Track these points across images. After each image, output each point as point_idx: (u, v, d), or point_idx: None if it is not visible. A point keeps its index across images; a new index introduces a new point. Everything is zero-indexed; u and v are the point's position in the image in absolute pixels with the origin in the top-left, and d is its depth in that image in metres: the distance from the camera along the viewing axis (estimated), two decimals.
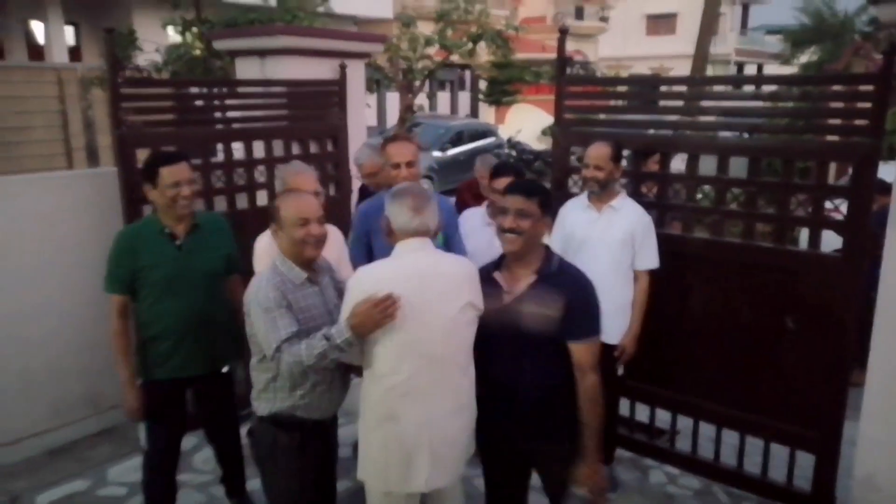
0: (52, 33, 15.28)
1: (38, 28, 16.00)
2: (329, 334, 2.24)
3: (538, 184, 2.66)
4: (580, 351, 2.41)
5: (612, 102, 4.19)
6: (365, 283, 2.27)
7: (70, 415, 4.15)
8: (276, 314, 2.31)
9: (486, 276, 2.50)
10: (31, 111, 10.92)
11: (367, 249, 3.30)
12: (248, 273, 2.78)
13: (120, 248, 2.91)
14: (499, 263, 2.55)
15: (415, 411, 2.30)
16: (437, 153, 14.37)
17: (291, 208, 2.44)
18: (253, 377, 2.51)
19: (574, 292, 2.41)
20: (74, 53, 16.26)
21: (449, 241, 3.37)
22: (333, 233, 3.24)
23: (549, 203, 2.49)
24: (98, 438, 4.19)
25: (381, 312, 2.21)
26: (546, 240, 2.57)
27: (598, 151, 3.43)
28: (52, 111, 11.17)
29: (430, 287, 2.28)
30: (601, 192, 3.47)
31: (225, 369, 3.15)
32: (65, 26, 15.61)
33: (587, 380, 2.41)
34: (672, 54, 32.46)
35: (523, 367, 2.45)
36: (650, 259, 3.47)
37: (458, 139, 15.19)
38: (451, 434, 2.37)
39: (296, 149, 4.54)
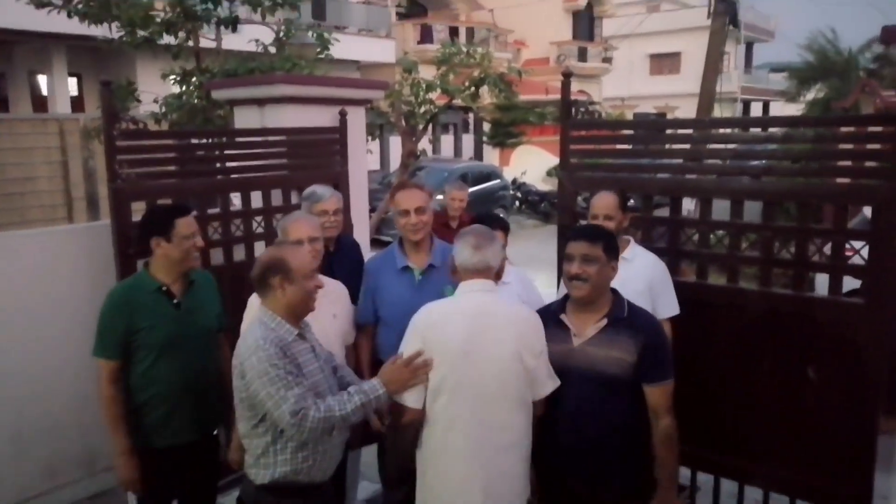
0: (55, 84, 15.55)
1: (41, 80, 16.29)
2: (363, 390, 2.32)
3: (602, 228, 2.76)
4: (655, 394, 2.48)
5: (619, 146, 4.16)
6: (420, 320, 2.44)
7: (63, 477, 4.04)
8: (285, 374, 2.23)
9: (552, 316, 2.59)
10: (35, 162, 11.06)
11: (373, 304, 3.22)
12: (235, 331, 2.72)
13: (114, 308, 2.76)
14: (563, 304, 2.62)
15: (466, 446, 2.36)
16: (439, 196, 14.42)
17: (302, 258, 2.43)
18: (246, 444, 2.40)
19: (648, 336, 2.49)
20: (77, 104, 16.51)
21: None
22: (338, 288, 3.18)
23: (615, 247, 2.58)
24: (91, 502, 4.07)
25: (412, 372, 2.33)
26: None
27: (605, 201, 3.35)
28: (55, 162, 11.31)
29: (485, 329, 2.36)
30: None
31: (215, 433, 3.05)
32: (68, 77, 15.88)
33: (663, 422, 2.48)
34: (676, 93, 32.79)
35: (592, 408, 2.49)
36: (670, 306, 3.36)
37: (463, 181, 15.25)
38: (505, 468, 2.41)
39: (295, 198, 4.49)
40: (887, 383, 3.13)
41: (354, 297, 3.32)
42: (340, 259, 3.59)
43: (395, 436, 3.08)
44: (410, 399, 2.41)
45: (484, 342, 2.36)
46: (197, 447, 2.93)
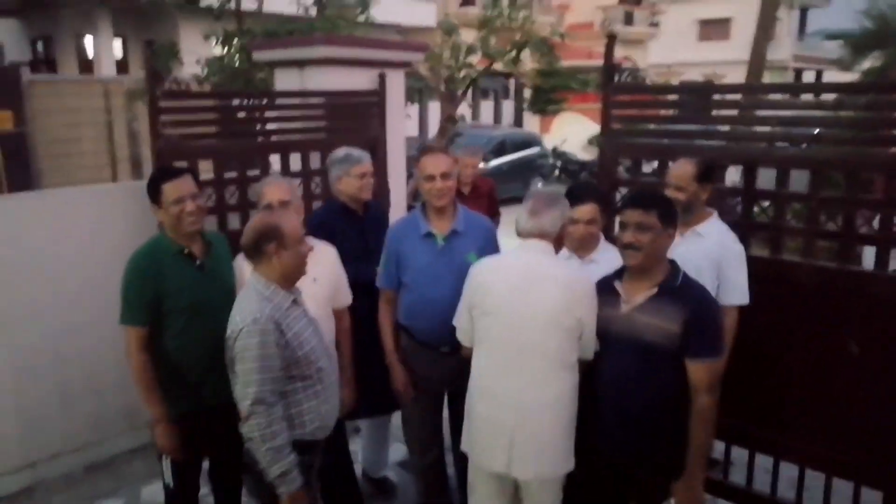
0: (101, 47, 15.80)
1: (87, 42, 16.54)
2: (282, 472, 2.33)
3: (659, 195, 2.71)
4: (697, 370, 2.44)
5: (663, 112, 4.07)
6: (477, 270, 2.67)
7: (107, 430, 4.19)
8: (270, 359, 2.30)
9: (607, 284, 2.62)
10: (80, 123, 11.29)
11: (395, 269, 3.19)
12: None
13: (139, 273, 2.73)
14: (621, 273, 2.63)
15: (506, 393, 2.53)
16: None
17: (293, 224, 2.46)
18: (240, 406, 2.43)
19: (696, 308, 2.44)
20: (122, 66, 16.77)
21: None
22: (327, 251, 3.18)
23: (672, 214, 2.53)
24: (133, 455, 4.23)
25: None
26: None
27: (680, 170, 3.21)
28: (100, 123, 11.53)
29: (532, 283, 2.51)
30: (683, 216, 3.18)
31: None
32: (113, 40, 16.11)
33: (701, 400, 2.44)
34: (726, 60, 31.84)
35: (634, 377, 2.49)
36: (737, 293, 3.17)
37: (501, 149, 15.11)
38: (539, 427, 2.52)
39: None
40: None
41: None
42: (371, 223, 3.61)
43: (413, 407, 3.18)
44: (463, 337, 2.74)
45: (526, 297, 2.51)
46: (227, 408, 2.85)
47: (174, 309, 2.76)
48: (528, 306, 2.51)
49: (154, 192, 2.79)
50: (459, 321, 2.79)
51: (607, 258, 3.09)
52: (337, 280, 3.18)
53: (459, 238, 3.13)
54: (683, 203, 3.12)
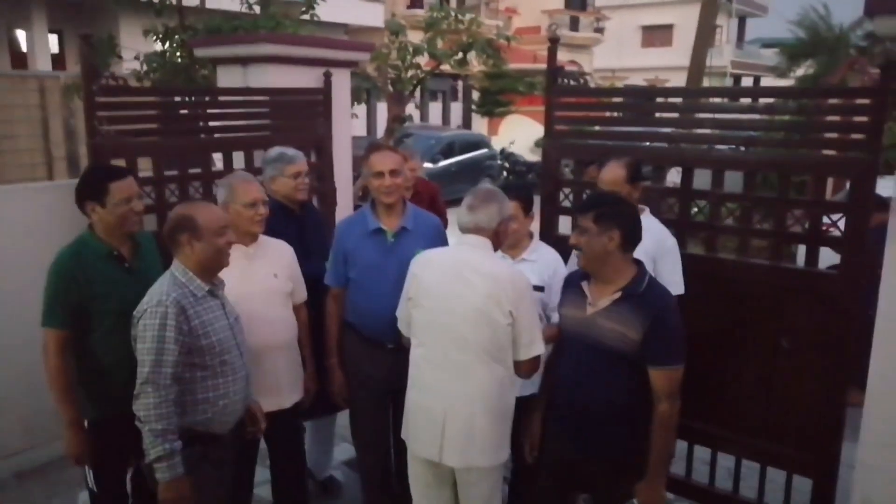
0: (35, 41, 15.23)
1: (21, 35, 15.94)
2: (162, 455, 2.31)
3: (599, 197, 2.76)
4: (657, 377, 2.46)
5: (607, 114, 4.16)
6: (414, 262, 2.73)
7: (40, 435, 4.04)
8: (168, 342, 2.31)
9: (575, 283, 2.66)
10: (14, 120, 10.86)
11: (343, 266, 3.19)
12: None
13: (63, 275, 2.66)
14: (588, 274, 2.64)
15: (435, 383, 2.60)
16: (427, 164, 14.35)
17: (211, 215, 2.49)
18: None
19: (657, 316, 2.44)
20: (58, 61, 16.20)
21: None
22: (282, 248, 3.18)
23: (611, 216, 2.52)
24: (68, 461, 4.08)
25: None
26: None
27: (611, 174, 3.25)
28: (35, 120, 11.12)
29: (460, 277, 2.56)
30: None
31: None
32: (49, 34, 15.56)
33: (661, 406, 2.46)
34: (668, 66, 32.67)
35: (591, 378, 2.52)
36: (673, 286, 3.18)
37: (449, 150, 15.19)
38: (468, 417, 2.56)
39: None
40: (857, 357, 3.20)
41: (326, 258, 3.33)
42: (309, 222, 3.59)
43: (359, 406, 3.19)
44: (402, 327, 2.80)
45: (455, 289, 2.56)
46: None
47: (101, 311, 2.69)
48: (456, 299, 2.55)
49: (97, 191, 2.71)
50: (400, 311, 2.83)
51: (544, 258, 3.17)
52: (295, 276, 3.19)
53: (409, 235, 3.14)
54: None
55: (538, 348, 2.62)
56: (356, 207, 4.93)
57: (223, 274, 2.65)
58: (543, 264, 3.16)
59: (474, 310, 2.52)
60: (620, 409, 2.51)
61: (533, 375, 2.71)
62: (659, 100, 4.01)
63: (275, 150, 3.53)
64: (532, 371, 2.67)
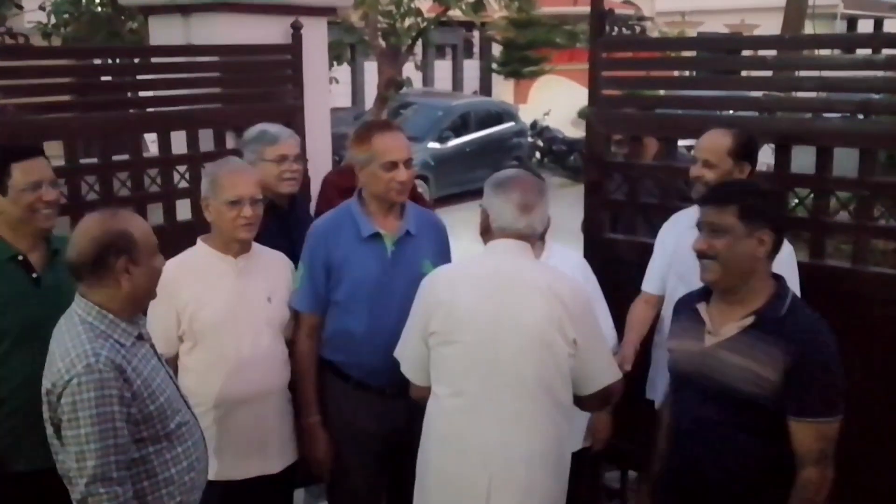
0: None
1: None
2: None
3: (739, 185, 2.77)
4: (802, 432, 2.40)
5: (674, 74, 4.19)
6: (431, 284, 2.70)
7: None
8: (114, 416, 2.24)
9: (688, 306, 2.68)
10: None
11: (325, 284, 3.18)
12: None
13: None
14: (708, 293, 2.63)
15: (480, 443, 2.57)
16: (433, 144, 14.41)
17: (145, 228, 2.43)
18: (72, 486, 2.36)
19: (804, 351, 2.41)
20: None
21: None
22: (279, 262, 3.22)
23: (761, 211, 2.49)
24: None
25: None
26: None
27: (710, 141, 3.27)
28: None
29: (507, 294, 2.58)
30: None
31: None
32: None
33: (806, 474, 2.41)
34: (757, 6, 32.61)
35: (713, 434, 2.50)
36: None
37: (462, 125, 15.24)
38: (528, 485, 2.58)
39: (231, 140, 4.52)
40: None
41: None
42: (299, 221, 3.62)
43: (346, 471, 3.25)
44: (408, 371, 2.77)
45: (501, 313, 2.56)
46: (51, 477, 2.62)
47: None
48: (503, 325, 2.55)
49: None
50: (406, 351, 2.82)
51: (564, 264, 3.18)
52: (285, 299, 3.20)
53: (413, 242, 3.17)
54: (712, 184, 3.18)
55: (612, 374, 2.69)
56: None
57: (198, 294, 2.67)
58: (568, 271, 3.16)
59: (532, 338, 2.55)
60: (754, 478, 2.48)
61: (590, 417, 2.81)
62: (745, 53, 4.02)
63: (256, 128, 3.61)
64: (602, 404, 2.76)
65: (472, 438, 2.59)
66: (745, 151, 3.26)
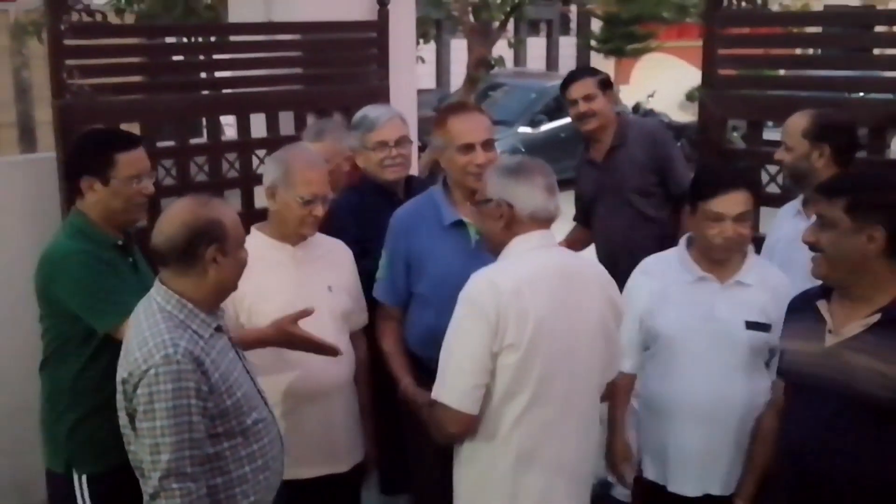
0: None
1: None
2: None
3: (848, 177, 2.79)
4: None
5: (797, 52, 4.13)
6: (503, 291, 2.55)
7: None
8: (191, 410, 2.31)
9: (807, 303, 2.67)
10: None
11: (405, 277, 3.25)
12: None
13: (94, 266, 2.85)
14: (828, 290, 2.64)
15: (555, 456, 2.66)
16: (524, 129, 14.39)
17: (235, 218, 2.51)
18: (145, 480, 2.44)
19: None
20: None
21: None
22: (340, 251, 3.28)
23: (873, 204, 2.48)
24: None
25: None
26: None
27: (788, 123, 3.38)
28: None
29: (574, 291, 2.67)
30: (797, 187, 3.45)
31: None
32: None
33: None
34: None
35: (836, 440, 2.49)
36: None
37: (556, 108, 15.11)
38: (587, 477, 2.80)
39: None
40: None
41: None
42: None
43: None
44: (457, 399, 2.58)
45: (576, 313, 2.65)
46: None
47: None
48: (578, 321, 2.66)
49: (101, 163, 2.87)
50: (458, 379, 2.63)
51: (767, 281, 3.08)
52: (355, 291, 3.28)
53: None
54: (789, 167, 3.35)
55: (619, 364, 2.93)
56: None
57: (256, 286, 2.75)
58: (768, 290, 3.09)
59: (594, 333, 2.70)
60: (890, 487, 2.47)
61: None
62: (879, 29, 3.94)
63: (359, 113, 3.72)
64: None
65: (552, 452, 2.67)
66: (822, 133, 3.30)
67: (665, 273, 3.14)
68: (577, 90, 4.06)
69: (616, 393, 3.18)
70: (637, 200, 4.04)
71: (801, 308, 2.69)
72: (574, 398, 2.67)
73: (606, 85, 4.08)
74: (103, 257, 2.88)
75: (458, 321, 2.64)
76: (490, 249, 2.82)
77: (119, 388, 2.40)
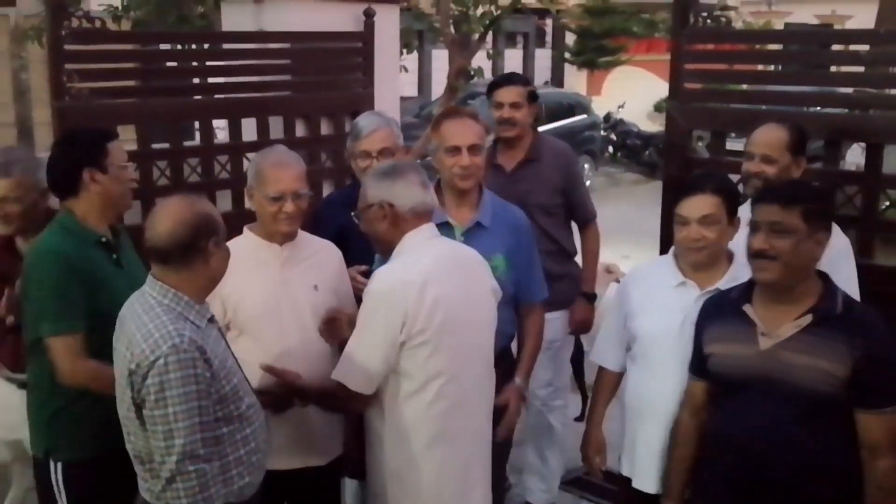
0: None
1: None
2: None
3: (803, 186, 2.77)
4: (874, 424, 2.48)
5: (759, 67, 4.17)
6: (412, 284, 2.64)
7: None
8: (200, 395, 2.35)
9: (732, 307, 2.66)
10: None
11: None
12: None
13: (64, 268, 2.83)
14: (748, 292, 2.65)
15: (468, 424, 2.81)
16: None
17: (217, 213, 2.56)
18: (156, 466, 2.46)
19: (871, 343, 2.49)
20: None
21: (518, 267, 3.30)
22: (327, 250, 3.27)
23: (823, 213, 2.56)
24: None
25: None
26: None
27: (768, 135, 3.30)
28: None
29: (470, 276, 2.83)
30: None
31: None
32: None
33: (882, 464, 2.48)
34: None
35: (779, 436, 2.53)
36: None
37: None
38: (493, 443, 2.94)
39: (301, 129, 4.62)
40: None
41: None
42: None
43: None
44: (362, 384, 2.71)
45: (474, 292, 2.82)
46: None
47: (98, 315, 2.84)
48: (476, 305, 2.83)
49: (96, 154, 2.90)
50: (366, 365, 2.72)
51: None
52: (343, 288, 3.26)
53: (484, 234, 3.21)
54: (772, 179, 3.21)
55: None
56: None
57: (242, 283, 2.76)
58: None
59: (487, 311, 2.92)
60: (835, 480, 2.53)
61: None
62: (836, 47, 3.99)
63: (357, 118, 3.71)
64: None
65: (469, 424, 2.83)
66: (801, 146, 3.29)
67: (652, 277, 3.13)
68: (505, 95, 3.99)
69: (599, 389, 3.28)
70: (539, 216, 3.93)
71: (724, 311, 2.69)
72: (477, 372, 2.83)
73: (533, 97, 4.02)
74: (78, 266, 2.85)
75: (368, 313, 2.71)
76: (382, 251, 2.89)
77: (125, 380, 2.42)
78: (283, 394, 2.89)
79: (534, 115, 4.07)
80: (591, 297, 4.26)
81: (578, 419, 4.66)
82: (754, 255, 2.54)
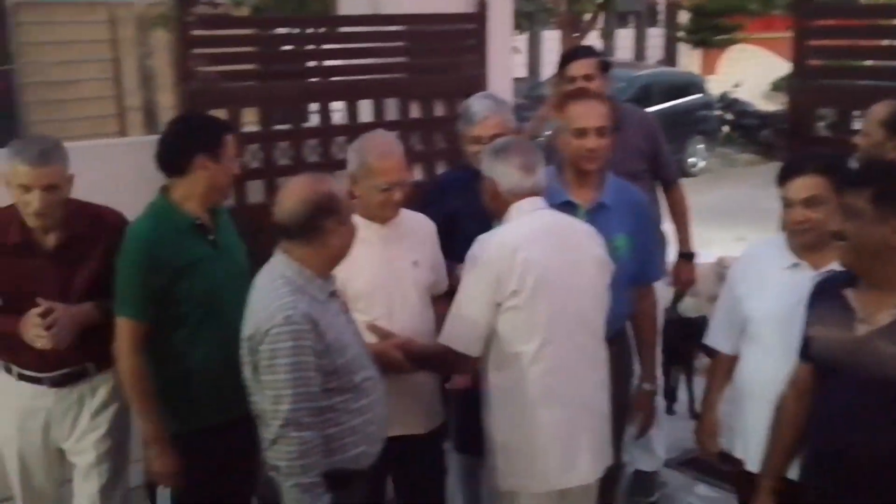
0: None
1: None
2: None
3: (879, 165, 2.77)
4: None
5: (886, 42, 4.03)
6: (505, 247, 2.82)
7: None
8: (307, 367, 2.45)
9: (833, 292, 2.60)
10: (79, 60, 11.80)
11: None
12: None
13: (148, 254, 2.94)
14: (853, 278, 2.58)
15: (572, 390, 2.89)
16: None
17: (343, 191, 2.69)
18: (266, 426, 2.58)
19: None
20: None
21: (640, 247, 3.29)
22: (424, 225, 3.31)
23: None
24: (153, 485, 4.41)
25: None
26: None
27: (871, 112, 3.31)
28: (104, 60, 12.05)
29: (570, 244, 2.91)
30: None
31: None
32: None
33: None
34: None
35: (869, 424, 2.48)
36: None
37: (644, 97, 14.92)
38: (604, 410, 3.01)
39: (415, 111, 4.67)
40: None
41: None
42: None
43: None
44: (465, 344, 2.88)
45: (576, 259, 2.89)
46: (241, 425, 2.88)
47: (189, 298, 2.97)
48: (578, 272, 2.89)
49: (213, 142, 3.01)
50: (467, 324, 2.88)
51: None
52: (438, 262, 3.33)
53: (606, 213, 3.22)
54: (863, 152, 3.24)
55: None
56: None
57: (347, 262, 2.80)
58: None
59: (594, 277, 2.98)
60: None
61: None
62: None
63: (468, 101, 3.68)
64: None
65: (571, 387, 2.89)
66: None
67: (765, 257, 3.05)
68: (578, 68, 3.93)
69: (713, 373, 3.25)
70: None
71: (828, 295, 2.61)
72: (579, 339, 2.89)
73: (606, 67, 3.99)
74: (160, 255, 2.93)
75: (468, 277, 2.89)
76: (496, 217, 3.02)
77: (244, 343, 2.56)
78: (392, 357, 2.94)
79: (608, 85, 4.03)
80: (689, 256, 4.32)
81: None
82: (835, 236, 2.51)
